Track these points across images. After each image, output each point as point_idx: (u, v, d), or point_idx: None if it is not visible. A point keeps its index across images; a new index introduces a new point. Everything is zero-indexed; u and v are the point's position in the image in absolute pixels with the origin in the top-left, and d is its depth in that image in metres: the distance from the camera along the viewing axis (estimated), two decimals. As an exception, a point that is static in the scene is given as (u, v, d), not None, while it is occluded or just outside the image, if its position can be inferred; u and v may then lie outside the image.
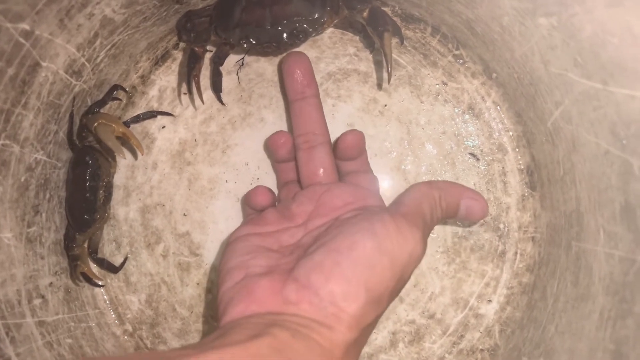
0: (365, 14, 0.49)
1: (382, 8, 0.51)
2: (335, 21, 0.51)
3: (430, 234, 0.54)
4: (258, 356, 0.30)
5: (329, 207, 0.43)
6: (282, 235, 0.43)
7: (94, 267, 0.55)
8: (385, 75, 0.55)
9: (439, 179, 0.55)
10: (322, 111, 0.50)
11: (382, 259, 0.36)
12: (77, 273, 0.52)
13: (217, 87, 0.55)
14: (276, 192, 0.53)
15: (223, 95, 0.56)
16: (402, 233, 0.37)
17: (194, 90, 0.53)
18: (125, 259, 0.56)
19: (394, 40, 0.55)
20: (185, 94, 0.56)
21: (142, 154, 0.56)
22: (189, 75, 0.52)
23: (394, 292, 0.38)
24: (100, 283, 0.55)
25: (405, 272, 0.38)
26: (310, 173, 0.48)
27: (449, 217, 0.44)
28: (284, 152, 0.49)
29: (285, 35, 0.49)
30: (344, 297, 0.34)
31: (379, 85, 0.55)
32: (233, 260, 0.41)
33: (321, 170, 0.48)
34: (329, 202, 0.44)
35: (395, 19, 0.55)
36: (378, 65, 0.55)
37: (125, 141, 0.53)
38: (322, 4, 0.49)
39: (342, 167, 0.49)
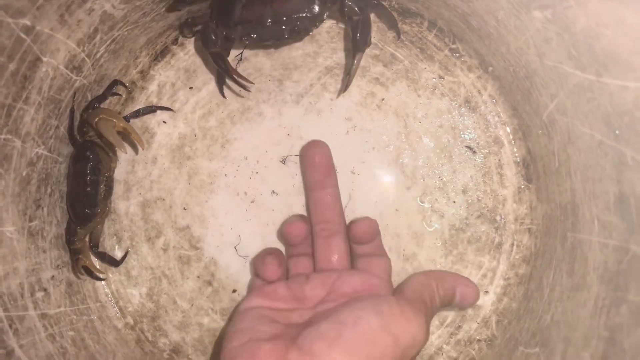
0: (355, 18, 0.50)
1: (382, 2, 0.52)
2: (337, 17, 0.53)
3: (428, 227, 0.55)
4: None
5: (339, 293, 0.45)
6: (292, 314, 0.44)
7: (95, 261, 0.56)
8: (384, 70, 0.56)
9: (437, 172, 0.55)
10: (340, 200, 0.52)
11: (385, 338, 0.37)
12: (78, 266, 0.53)
13: (222, 79, 0.55)
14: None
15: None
16: (407, 316, 0.39)
17: (239, 80, 0.53)
18: (126, 253, 0.57)
19: (391, 34, 0.55)
20: (191, 88, 0.57)
21: (143, 149, 0.56)
22: (229, 75, 0.52)
23: None
24: (101, 276, 0.56)
25: (406, 354, 0.39)
26: (326, 259, 0.50)
27: (446, 304, 0.46)
28: (298, 240, 0.51)
29: (286, 32, 0.49)
30: None
31: (376, 79, 0.56)
32: (241, 324, 0.42)
33: (336, 257, 0.49)
34: (339, 289, 0.45)
35: (392, 13, 0.56)
36: (375, 59, 0.56)
37: (125, 136, 0.53)
38: (322, 1, 0.49)
39: (357, 250, 0.50)
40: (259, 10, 0.49)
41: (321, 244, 0.50)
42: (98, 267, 0.56)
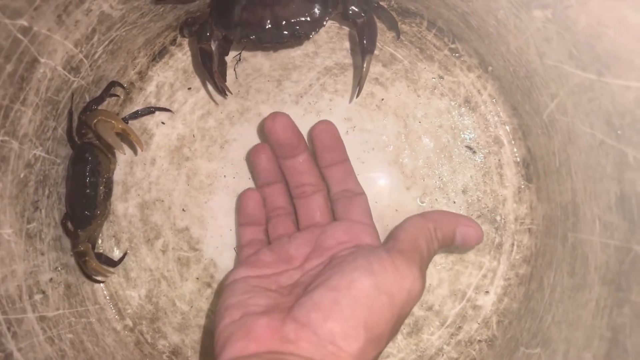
0: (359, 21, 0.50)
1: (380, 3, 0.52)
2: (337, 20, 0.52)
3: (428, 227, 0.54)
4: None
5: (325, 247, 0.44)
6: (280, 277, 0.43)
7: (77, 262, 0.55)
8: (383, 70, 0.56)
9: (437, 173, 0.55)
10: (314, 162, 0.51)
11: (380, 298, 0.36)
12: (88, 269, 0.53)
13: (210, 78, 0.54)
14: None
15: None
16: (400, 270, 0.37)
17: (220, 84, 0.52)
18: (125, 254, 0.56)
19: (390, 35, 0.55)
20: (189, 89, 0.57)
21: (142, 150, 0.56)
22: (210, 73, 0.51)
23: (394, 330, 0.38)
24: (99, 279, 0.56)
25: (404, 309, 0.38)
26: (308, 217, 0.50)
27: (446, 246, 0.44)
28: (264, 167, 0.51)
29: (286, 35, 0.49)
30: (343, 336, 0.34)
31: (376, 79, 0.56)
32: (232, 299, 0.41)
33: (317, 213, 0.50)
34: (324, 243, 0.45)
35: (392, 14, 0.56)
36: (374, 59, 0.55)
37: (124, 137, 0.53)
38: (324, 4, 0.49)
39: (330, 180, 0.50)
40: (260, 12, 0.49)
41: (301, 205, 0.50)
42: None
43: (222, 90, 0.53)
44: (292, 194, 0.51)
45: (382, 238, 0.54)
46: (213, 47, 0.52)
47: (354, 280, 0.36)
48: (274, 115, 0.49)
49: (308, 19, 0.48)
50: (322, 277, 0.39)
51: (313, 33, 0.50)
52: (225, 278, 0.44)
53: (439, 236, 0.42)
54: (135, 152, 0.57)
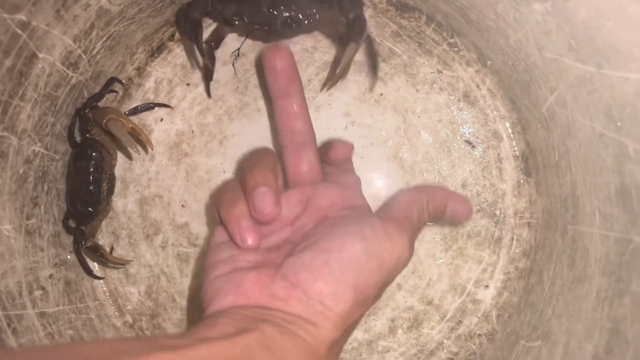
0: (351, 16, 0.49)
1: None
2: (324, 26, 0.52)
3: (428, 222, 0.54)
4: (246, 351, 0.30)
5: (317, 207, 0.44)
6: (270, 236, 0.43)
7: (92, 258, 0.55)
8: (382, 65, 0.56)
9: (437, 167, 0.55)
10: (307, 110, 0.48)
11: (370, 262, 0.36)
12: (111, 260, 0.54)
13: (208, 74, 0.54)
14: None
15: (219, 86, 0.56)
16: (391, 238, 0.38)
17: (205, 61, 0.52)
18: (112, 249, 0.56)
19: (389, 30, 0.55)
20: (188, 84, 0.57)
21: (152, 149, 0.56)
22: (196, 44, 0.50)
23: (380, 292, 0.39)
24: (99, 275, 0.56)
25: (391, 275, 0.39)
26: (298, 172, 0.47)
27: (436, 219, 0.45)
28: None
29: (278, 20, 0.49)
30: (331, 297, 0.35)
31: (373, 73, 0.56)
32: (220, 255, 0.41)
33: (307, 169, 0.47)
34: (316, 203, 0.44)
35: (389, 8, 0.56)
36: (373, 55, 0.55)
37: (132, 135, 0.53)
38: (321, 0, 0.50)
39: (326, 167, 0.49)
40: None
41: (291, 157, 0.47)
42: (91, 264, 0.55)
43: (208, 75, 0.52)
44: (281, 143, 0.48)
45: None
46: (204, 27, 0.51)
47: (345, 244, 0.37)
48: (276, 44, 0.46)
49: (303, 9, 0.49)
50: (313, 238, 0.39)
51: (305, 24, 0.50)
52: (212, 235, 0.43)
53: (430, 208, 0.43)
54: (146, 150, 0.57)
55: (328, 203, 0.43)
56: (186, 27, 0.51)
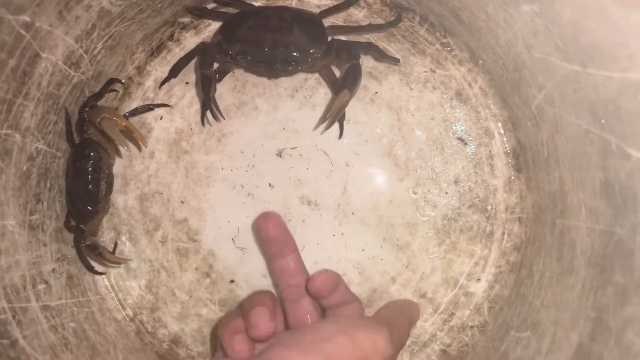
0: (347, 65, 0.53)
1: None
2: (322, 68, 0.56)
3: (421, 217, 0.56)
4: None
5: None
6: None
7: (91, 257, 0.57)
8: (376, 64, 0.57)
9: (430, 164, 0.56)
10: (303, 264, 0.51)
11: (342, 338, 0.39)
12: (108, 259, 0.55)
13: (206, 107, 0.56)
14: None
15: (217, 85, 0.57)
16: (366, 323, 0.42)
17: (214, 109, 0.55)
18: (116, 245, 0.58)
19: (381, 63, 0.57)
20: (187, 83, 0.58)
21: (146, 147, 0.57)
22: (208, 98, 0.54)
23: None
24: (100, 271, 0.57)
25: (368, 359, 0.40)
26: (299, 321, 0.49)
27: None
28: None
29: (279, 59, 0.52)
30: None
31: (369, 73, 0.57)
32: None
33: (308, 317, 0.49)
34: None
35: (384, 8, 0.57)
36: (370, 58, 0.57)
37: (126, 133, 0.54)
38: (319, 42, 0.53)
39: (324, 303, 0.50)
40: (261, 34, 0.53)
41: (291, 308, 0.50)
42: (91, 261, 0.56)
43: (216, 116, 0.56)
44: (282, 297, 0.51)
45: (374, 226, 0.56)
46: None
47: (320, 324, 0.41)
48: (266, 213, 0.50)
49: (303, 50, 0.52)
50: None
51: (304, 65, 0.53)
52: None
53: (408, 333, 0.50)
54: (139, 149, 0.58)
55: None
56: (199, 80, 0.55)
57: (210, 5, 0.58)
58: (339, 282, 0.49)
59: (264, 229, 0.50)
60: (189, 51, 0.57)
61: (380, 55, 0.55)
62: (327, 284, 0.48)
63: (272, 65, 0.53)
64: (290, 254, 0.51)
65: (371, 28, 0.56)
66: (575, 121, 0.41)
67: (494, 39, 0.50)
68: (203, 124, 0.57)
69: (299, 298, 0.50)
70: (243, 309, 0.46)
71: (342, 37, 0.56)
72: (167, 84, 0.58)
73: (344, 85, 0.52)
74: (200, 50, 0.56)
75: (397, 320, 0.47)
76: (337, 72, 0.57)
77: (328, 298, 0.49)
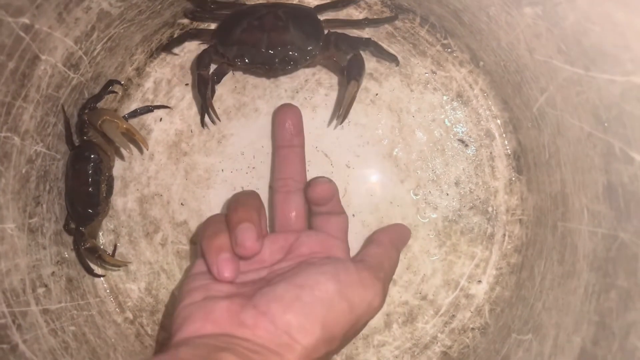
0: (348, 57, 0.53)
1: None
2: (322, 60, 0.55)
3: (421, 219, 0.56)
4: None
5: (297, 254, 0.45)
6: (248, 273, 0.44)
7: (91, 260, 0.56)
8: (377, 66, 0.57)
9: (431, 165, 0.56)
10: (305, 161, 0.52)
11: (341, 303, 0.38)
12: (108, 262, 0.55)
13: (204, 104, 0.55)
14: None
15: (217, 87, 0.57)
16: (364, 284, 0.40)
17: (210, 112, 0.55)
18: (115, 247, 0.57)
19: (384, 30, 0.56)
20: (187, 84, 0.58)
21: (147, 149, 0.57)
22: (204, 99, 0.54)
23: (347, 336, 0.40)
24: (100, 273, 0.57)
25: (361, 319, 0.40)
26: (284, 216, 0.50)
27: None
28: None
29: (277, 60, 0.52)
30: (299, 329, 0.36)
31: (370, 75, 0.57)
32: (195, 283, 0.42)
33: (294, 214, 0.50)
34: (296, 250, 0.45)
35: (384, 9, 0.57)
36: (369, 55, 0.57)
37: (127, 136, 0.54)
38: (316, 38, 0.53)
39: (315, 209, 0.50)
40: (257, 35, 0.52)
41: (280, 200, 0.50)
42: (92, 264, 0.56)
43: (212, 118, 0.55)
44: (274, 187, 0.51)
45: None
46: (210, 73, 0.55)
47: (319, 282, 0.38)
48: (289, 104, 0.53)
49: (301, 48, 0.52)
50: (288, 274, 0.40)
51: (303, 63, 0.53)
52: (192, 266, 0.44)
53: (400, 250, 0.50)
54: (141, 151, 0.58)
55: (308, 251, 0.45)
56: (195, 82, 0.55)
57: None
58: (336, 193, 0.49)
59: (281, 115, 0.52)
60: (182, 33, 0.57)
61: (379, 51, 0.54)
62: (327, 194, 0.48)
63: (270, 66, 0.52)
64: (297, 146, 0.52)
65: (368, 22, 0.55)
66: (577, 124, 0.41)
67: (496, 40, 0.49)
68: (203, 126, 0.57)
69: (291, 191, 0.50)
70: (228, 220, 0.43)
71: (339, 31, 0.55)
72: (167, 85, 0.58)
73: (350, 77, 0.52)
74: (198, 55, 0.55)
75: (391, 261, 0.46)
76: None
77: (321, 207, 0.49)
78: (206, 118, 0.56)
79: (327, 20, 0.55)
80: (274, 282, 0.40)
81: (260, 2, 0.57)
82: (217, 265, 0.40)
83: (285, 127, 0.52)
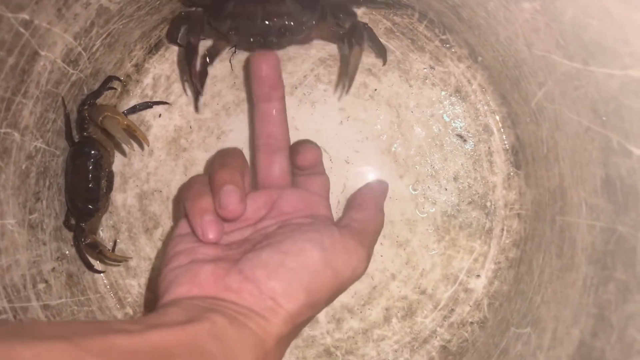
0: (347, 25, 0.52)
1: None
2: (319, 32, 0.54)
3: (420, 214, 0.56)
4: (196, 338, 0.32)
5: (280, 211, 0.45)
6: (232, 233, 0.44)
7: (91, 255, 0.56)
8: (376, 61, 0.57)
9: (429, 161, 0.57)
10: (286, 116, 0.50)
11: (325, 270, 0.39)
12: (109, 258, 0.55)
13: (197, 93, 0.55)
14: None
15: (217, 82, 0.57)
16: (348, 250, 0.41)
17: (196, 81, 0.53)
18: (115, 243, 0.58)
19: (383, 26, 0.57)
20: (186, 81, 0.58)
21: (148, 145, 0.57)
22: (190, 69, 0.52)
23: (330, 299, 0.41)
24: (100, 269, 0.57)
25: (344, 284, 0.41)
26: (268, 174, 0.49)
27: None
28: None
29: (273, 31, 0.50)
30: (283, 294, 0.37)
31: (369, 70, 0.57)
32: (180, 246, 0.42)
33: (277, 173, 0.48)
34: (279, 207, 0.45)
35: (381, 5, 0.57)
36: (367, 50, 0.57)
37: (127, 132, 0.54)
38: (313, 8, 0.51)
39: (297, 168, 0.50)
40: (251, 7, 0.50)
41: (263, 159, 0.49)
42: (92, 260, 0.56)
43: (197, 93, 0.54)
44: (256, 145, 0.50)
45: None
46: (199, 48, 0.53)
47: (304, 249, 0.39)
48: (264, 52, 0.49)
49: (297, 18, 0.50)
50: (273, 239, 0.40)
51: (299, 32, 0.51)
52: (175, 227, 0.44)
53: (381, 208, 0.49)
54: (142, 147, 0.58)
55: (291, 209, 0.45)
56: (182, 51, 0.52)
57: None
58: (321, 155, 0.49)
59: (256, 65, 0.48)
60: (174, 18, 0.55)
61: (371, 37, 0.53)
62: (316, 159, 0.48)
63: (266, 38, 0.50)
64: (276, 100, 0.49)
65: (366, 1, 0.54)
66: (575, 118, 0.42)
67: (494, 36, 0.50)
68: (197, 109, 0.56)
69: (274, 149, 0.49)
70: (211, 180, 0.43)
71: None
72: (166, 81, 0.58)
73: (352, 43, 0.50)
74: (185, 18, 0.53)
75: (375, 223, 0.46)
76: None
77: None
78: (200, 101, 0.55)
79: None
80: (259, 246, 0.40)
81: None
82: (201, 227, 0.41)
83: (262, 78, 0.48)
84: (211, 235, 0.41)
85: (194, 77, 0.52)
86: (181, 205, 0.45)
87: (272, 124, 0.49)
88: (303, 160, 0.48)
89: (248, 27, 0.50)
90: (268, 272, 0.37)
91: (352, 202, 0.49)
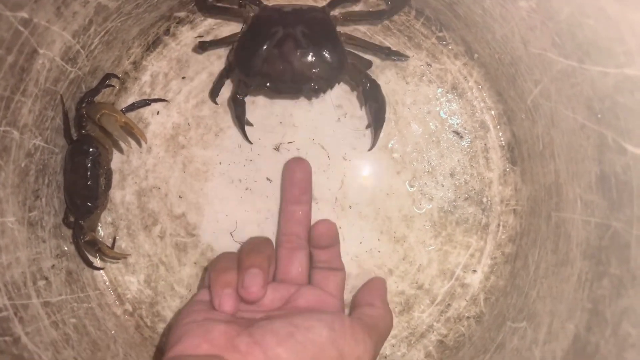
0: (363, 79, 0.54)
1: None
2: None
3: (417, 210, 0.56)
4: None
5: (294, 305, 0.47)
6: (245, 313, 0.46)
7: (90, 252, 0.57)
8: (373, 59, 0.57)
9: (426, 157, 0.57)
10: (310, 219, 0.54)
11: (331, 350, 0.40)
12: (108, 255, 0.55)
13: (241, 121, 0.56)
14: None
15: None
16: (356, 338, 0.42)
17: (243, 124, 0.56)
18: (115, 240, 0.58)
19: (380, 24, 0.57)
20: (183, 78, 0.58)
21: (146, 142, 0.57)
22: (242, 124, 0.55)
23: None
24: (99, 266, 0.57)
25: None
26: (287, 271, 0.51)
27: None
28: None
29: (304, 90, 0.52)
30: None
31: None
32: (196, 307, 0.44)
33: (296, 270, 0.51)
34: (294, 302, 0.47)
35: (380, 2, 0.57)
36: (364, 51, 0.57)
37: (125, 129, 0.54)
38: (340, 67, 0.52)
39: (315, 256, 0.52)
40: (280, 66, 0.51)
41: (284, 255, 0.52)
42: (91, 257, 0.57)
43: (247, 140, 0.57)
44: (279, 240, 0.54)
45: (371, 219, 0.56)
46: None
47: (314, 326, 0.41)
48: (299, 158, 0.55)
49: (325, 80, 0.52)
50: (286, 312, 0.44)
51: (326, 90, 0.53)
52: (196, 293, 0.48)
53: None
54: (140, 144, 0.58)
55: (305, 304, 0.47)
56: (237, 111, 0.55)
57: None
58: (338, 239, 0.52)
59: (291, 169, 0.54)
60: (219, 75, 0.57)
61: (392, 54, 0.55)
62: (330, 232, 0.50)
63: (297, 95, 0.54)
64: (304, 203, 0.53)
65: (388, 52, 0.55)
66: (571, 115, 0.42)
67: (490, 33, 0.50)
68: (249, 141, 0.57)
69: (295, 247, 0.52)
70: (240, 260, 0.47)
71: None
72: (164, 78, 0.58)
73: (373, 124, 0.55)
74: (225, 76, 0.56)
75: (385, 321, 0.48)
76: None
77: (321, 253, 0.51)
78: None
79: (345, 39, 0.54)
80: (272, 316, 0.43)
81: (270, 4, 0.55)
82: (219, 298, 0.43)
83: (295, 183, 0.53)
84: (227, 307, 0.43)
85: (243, 124, 0.55)
86: (206, 275, 0.48)
87: (297, 225, 0.53)
88: (316, 230, 0.50)
89: (279, 86, 0.52)
90: (277, 340, 0.39)
91: (362, 300, 0.51)
